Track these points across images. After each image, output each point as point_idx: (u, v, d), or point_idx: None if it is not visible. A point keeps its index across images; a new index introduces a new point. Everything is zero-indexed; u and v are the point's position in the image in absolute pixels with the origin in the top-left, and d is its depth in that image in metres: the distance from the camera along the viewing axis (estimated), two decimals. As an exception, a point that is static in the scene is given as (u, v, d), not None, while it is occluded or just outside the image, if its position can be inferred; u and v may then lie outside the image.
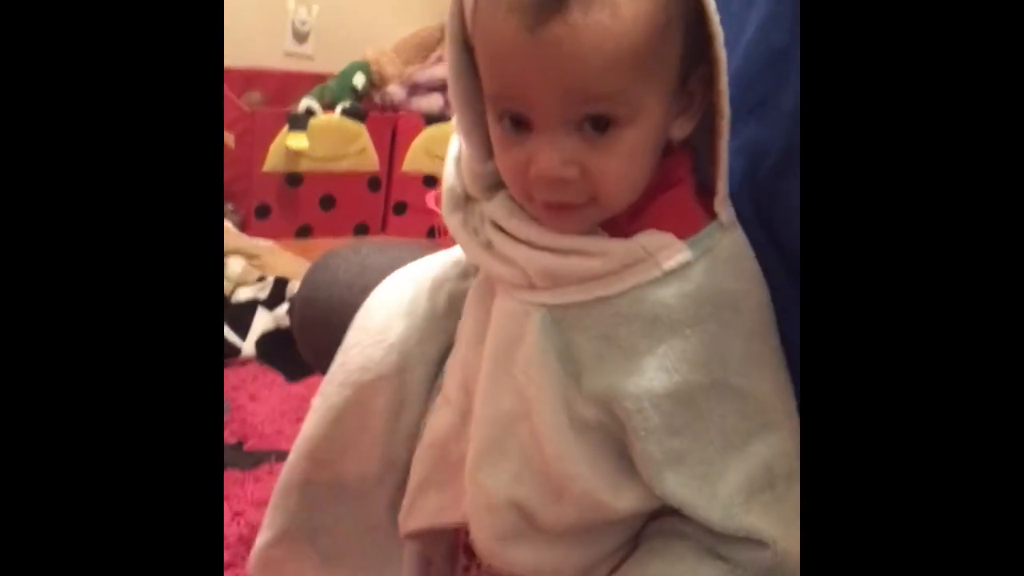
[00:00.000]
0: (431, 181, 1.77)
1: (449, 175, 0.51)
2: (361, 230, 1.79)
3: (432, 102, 1.79)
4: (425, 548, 0.59)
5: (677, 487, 0.44)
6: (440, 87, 1.80)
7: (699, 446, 0.44)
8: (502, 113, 0.43)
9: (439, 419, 0.54)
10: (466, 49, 0.45)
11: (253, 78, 1.76)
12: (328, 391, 0.59)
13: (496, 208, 0.47)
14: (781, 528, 0.44)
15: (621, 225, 0.45)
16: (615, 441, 0.46)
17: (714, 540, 0.45)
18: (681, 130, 0.45)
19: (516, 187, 0.45)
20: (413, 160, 1.77)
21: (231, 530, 0.91)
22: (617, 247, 0.44)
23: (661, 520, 0.48)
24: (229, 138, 1.62)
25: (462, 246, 0.50)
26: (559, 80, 0.40)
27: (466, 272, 0.56)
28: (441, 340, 0.56)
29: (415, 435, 0.57)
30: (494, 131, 0.44)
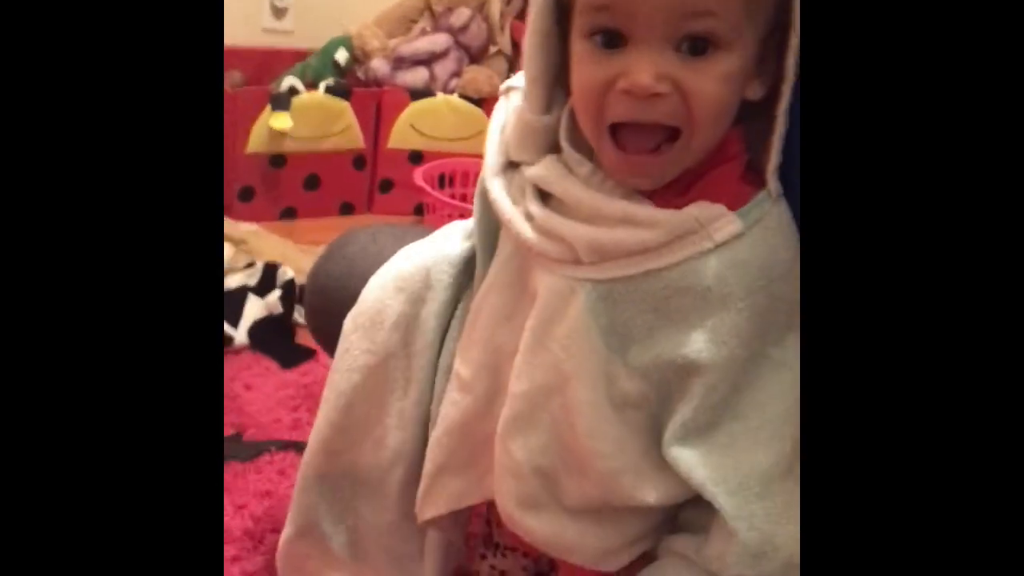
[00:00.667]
0: (417, 157, 1.74)
1: (493, 143, 0.51)
2: (347, 209, 1.76)
3: (417, 76, 1.75)
4: (443, 530, 0.59)
5: (698, 462, 0.44)
6: (425, 60, 1.76)
7: (731, 419, 0.44)
8: (595, 28, 0.42)
9: (455, 406, 0.53)
10: None
11: (232, 56, 1.71)
12: (336, 379, 0.58)
13: (544, 169, 0.47)
14: (783, 529, 0.44)
15: (670, 199, 0.45)
16: (652, 421, 0.46)
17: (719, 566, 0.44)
18: (754, 91, 0.45)
19: (592, 108, 0.43)
20: (399, 136, 1.74)
21: (235, 523, 0.90)
22: (668, 217, 0.43)
23: (673, 539, 0.48)
24: (209, 119, 1.59)
25: (507, 217, 0.49)
26: None
27: (463, 256, 0.55)
28: (444, 316, 0.56)
29: (421, 420, 0.57)
30: (580, 48, 0.43)
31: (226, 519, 0.91)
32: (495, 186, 0.50)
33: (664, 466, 0.46)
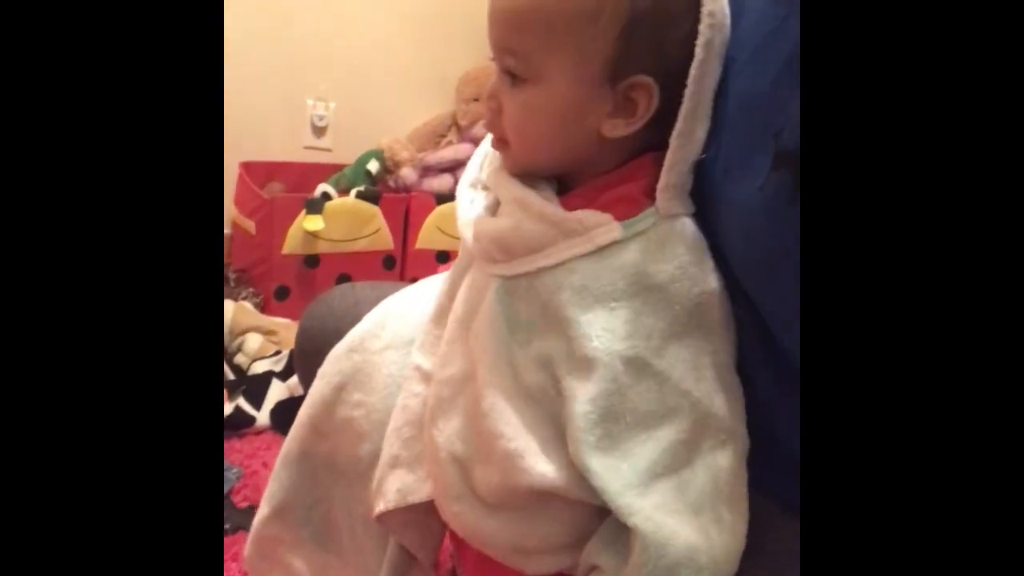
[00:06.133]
0: (444, 257, 1.83)
1: (474, 162, 0.59)
2: (379, 309, 1.84)
3: (443, 182, 1.87)
4: (398, 535, 0.59)
5: (588, 457, 0.45)
6: (450, 167, 1.88)
7: (611, 420, 0.46)
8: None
9: (416, 398, 0.56)
10: None
11: (275, 170, 1.87)
12: (338, 355, 0.62)
13: (491, 172, 0.55)
14: (674, 519, 0.44)
15: (577, 206, 0.49)
16: (555, 416, 0.47)
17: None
18: (613, 129, 0.49)
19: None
20: (426, 238, 1.84)
21: (239, 588, 0.92)
22: (555, 213, 0.49)
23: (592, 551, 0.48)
24: (250, 224, 1.71)
25: (459, 219, 0.56)
26: (493, 31, 0.49)
27: (458, 259, 0.60)
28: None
29: None
30: None
31: (231, 584, 0.93)
32: (462, 196, 0.57)
33: (568, 455, 0.46)
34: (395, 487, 0.55)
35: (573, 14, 0.46)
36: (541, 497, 0.47)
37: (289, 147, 1.93)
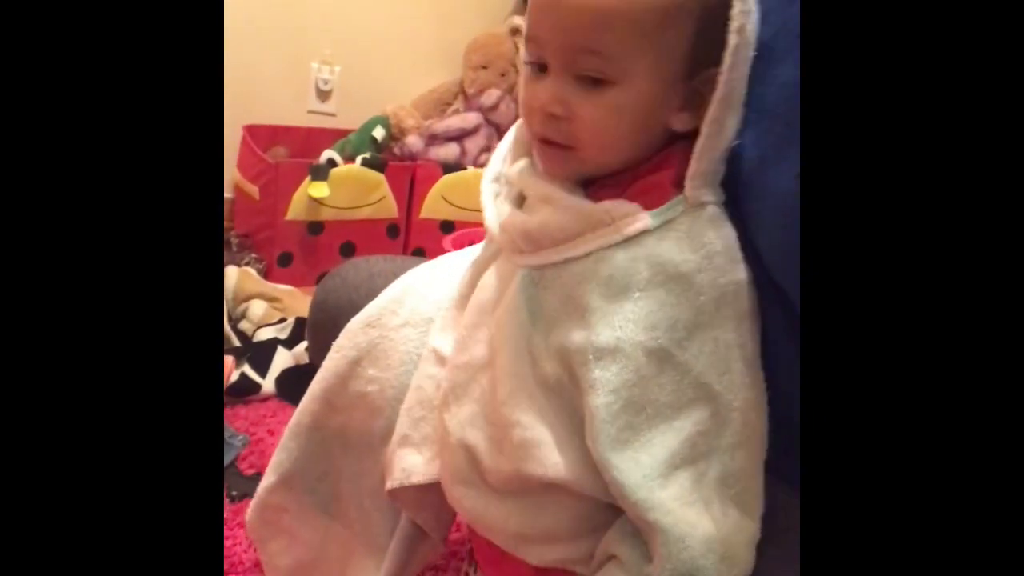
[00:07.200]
0: (448, 227, 1.81)
1: (498, 155, 0.58)
2: (381, 277, 1.83)
3: (449, 151, 1.85)
4: (410, 512, 0.60)
5: (608, 450, 0.45)
6: (457, 136, 1.86)
7: (632, 411, 0.45)
8: (530, 57, 0.50)
9: (431, 380, 0.56)
10: None
11: (278, 134, 1.84)
12: (354, 329, 0.61)
13: (515, 168, 0.54)
14: (691, 510, 0.44)
15: (604, 197, 0.49)
16: (572, 408, 0.47)
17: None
18: (682, 124, 0.49)
19: (524, 121, 0.52)
20: (431, 207, 1.82)
21: (248, 555, 0.92)
22: (583, 205, 0.48)
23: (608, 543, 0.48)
24: (253, 189, 1.69)
25: (485, 213, 0.56)
26: (563, 32, 0.47)
27: (485, 246, 0.59)
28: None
29: None
30: (524, 72, 0.51)
31: (238, 550, 0.93)
32: (485, 189, 0.56)
33: (582, 448, 0.46)
34: (400, 466, 0.56)
35: (660, 11, 0.45)
36: (551, 487, 0.48)
37: (293, 111, 1.90)
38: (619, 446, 0.45)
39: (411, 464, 0.55)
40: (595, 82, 0.47)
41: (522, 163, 0.53)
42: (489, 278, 0.54)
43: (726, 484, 0.46)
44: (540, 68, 0.49)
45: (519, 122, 0.56)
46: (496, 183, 0.57)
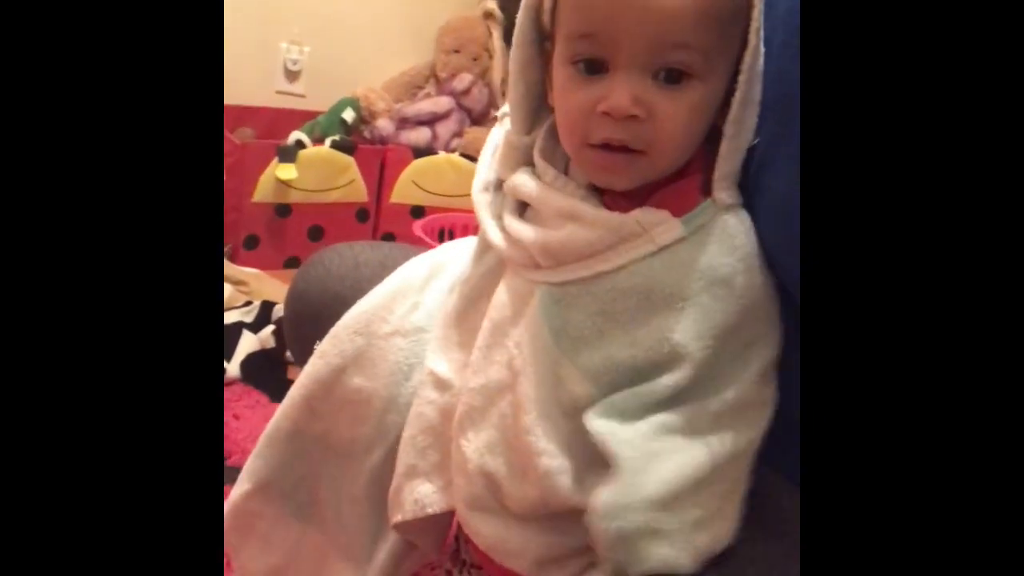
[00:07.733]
0: (418, 212, 1.80)
1: (484, 162, 0.55)
2: (350, 262, 1.81)
3: (420, 135, 1.83)
4: (412, 538, 0.58)
5: (612, 435, 0.44)
6: (428, 120, 1.84)
7: (667, 408, 0.45)
8: (578, 56, 0.45)
9: (431, 405, 0.53)
10: (533, 20, 0.49)
11: (245, 114, 1.81)
12: (340, 335, 0.58)
13: (517, 179, 0.50)
14: (661, 444, 0.44)
15: (625, 206, 0.47)
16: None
17: None
18: (722, 116, 0.47)
19: (575, 129, 0.47)
20: (401, 192, 1.80)
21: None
22: (611, 218, 0.46)
23: None
24: (220, 170, 1.66)
25: (483, 224, 0.52)
26: (651, 26, 0.43)
27: (477, 260, 0.57)
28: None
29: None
30: (563, 74, 0.47)
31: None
32: (480, 200, 0.53)
33: (603, 473, 0.45)
34: (412, 498, 0.53)
35: (732, 5, 0.44)
36: (575, 509, 0.46)
37: (260, 91, 1.86)
38: (641, 436, 0.44)
39: (423, 494, 0.52)
40: (676, 80, 0.44)
41: (524, 175, 0.50)
42: (501, 295, 0.50)
43: (712, 476, 0.45)
44: (591, 67, 0.45)
45: (505, 126, 0.53)
46: (487, 192, 0.53)
